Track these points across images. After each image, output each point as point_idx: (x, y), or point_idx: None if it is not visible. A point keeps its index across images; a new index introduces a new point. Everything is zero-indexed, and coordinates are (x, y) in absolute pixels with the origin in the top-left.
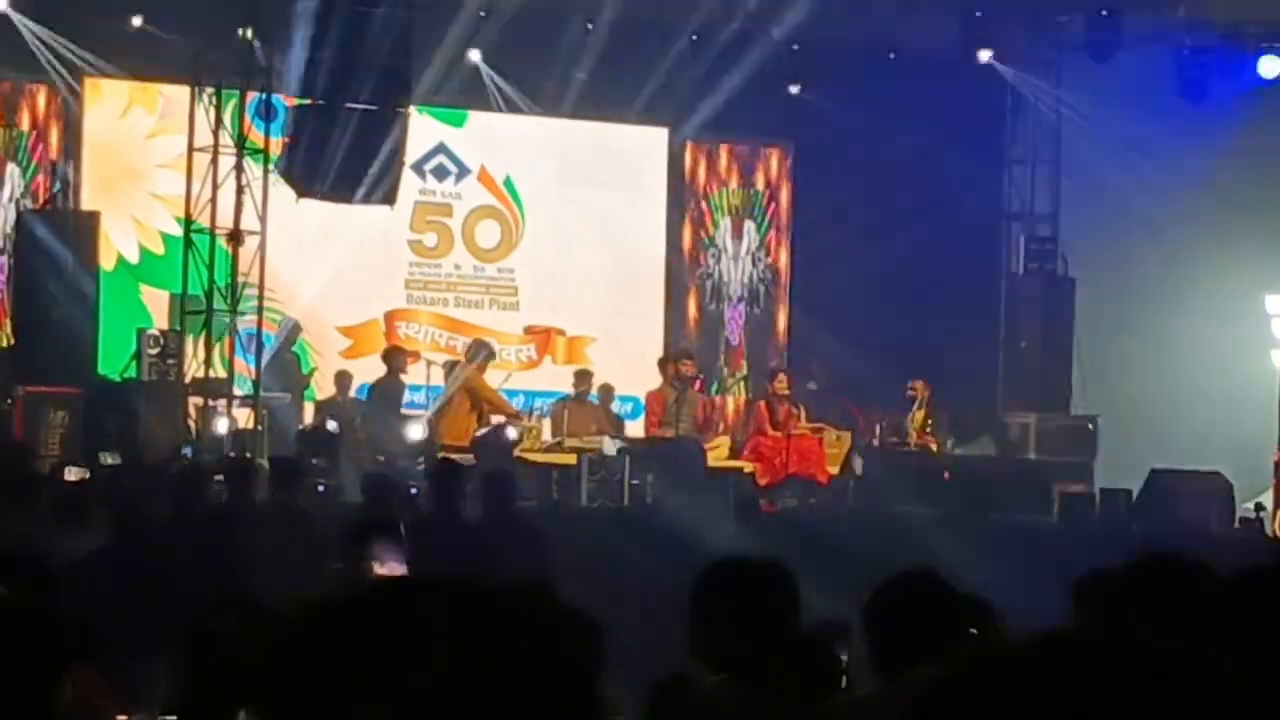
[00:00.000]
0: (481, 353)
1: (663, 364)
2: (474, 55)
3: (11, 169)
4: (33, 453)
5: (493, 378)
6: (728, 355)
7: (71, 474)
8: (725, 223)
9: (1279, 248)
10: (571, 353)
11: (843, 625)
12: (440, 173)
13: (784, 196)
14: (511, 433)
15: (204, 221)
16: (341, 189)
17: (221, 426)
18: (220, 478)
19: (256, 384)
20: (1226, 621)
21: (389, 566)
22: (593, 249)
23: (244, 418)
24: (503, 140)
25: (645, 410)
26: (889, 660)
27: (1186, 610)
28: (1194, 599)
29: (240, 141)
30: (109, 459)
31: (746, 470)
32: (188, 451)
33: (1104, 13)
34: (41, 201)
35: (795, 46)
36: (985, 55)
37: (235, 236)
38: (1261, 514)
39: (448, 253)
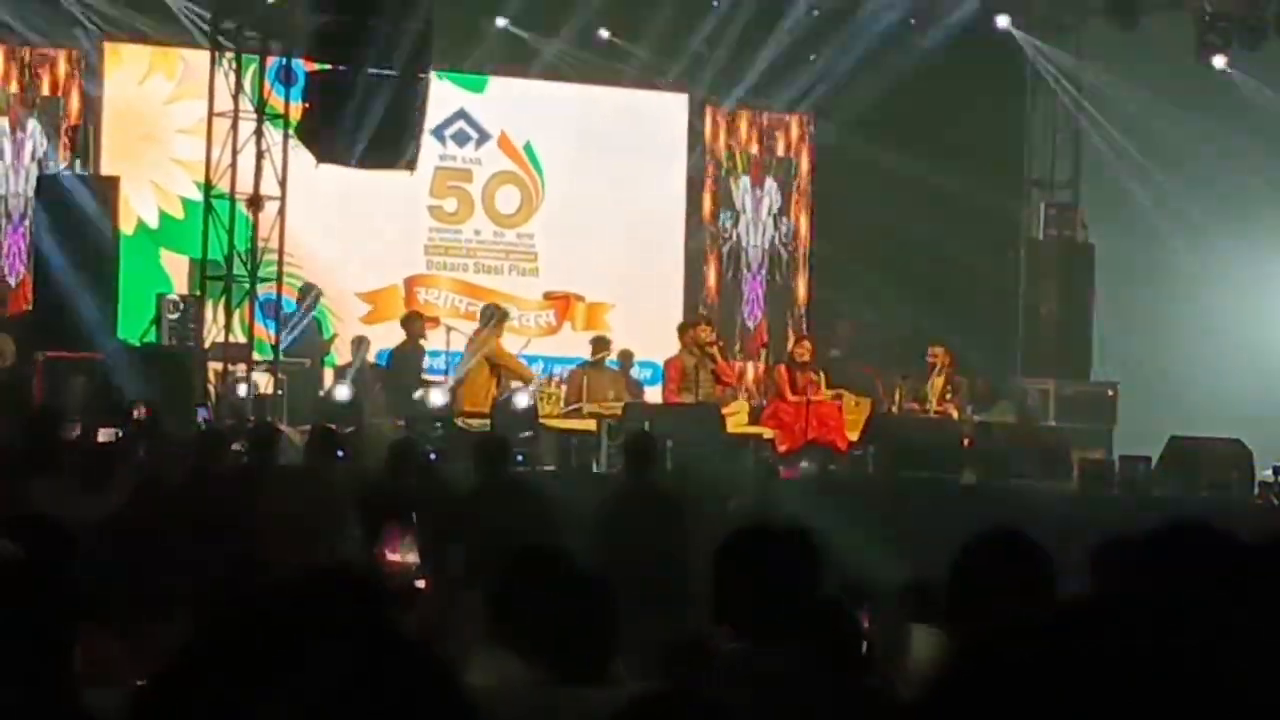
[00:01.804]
0: (495, 317)
1: (681, 330)
2: (500, 21)
3: (33, 126)
4: (59, 416)
5: (512, 344)
6: (747, 321)
7: (101, 435)
8: (745, 186)
9: None
10: (591, 319)
11: (864, 590)
12: (460, 138)
13: (804, 163)
14: (522, 400)
15: (224, 187)
16: (361, 154)
17: (241, 392)
18: (240, 444)
19: (276, 349)
20: (1249, 589)
21: (400, 553)
22: (612, 215)
23: (263, 383)
24: (523, 106)
25: (664, 376)
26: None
27: (1210, 578)
28: (1217, 567)
29: (260, 107)
30: (139, 412)
31: (765, 436)
32: (204, 415)
33: None
34: (62, 166)
35: (815, 12)
36: (1004, 21)
37: (255, 202)
38: None
39: (467, 218)
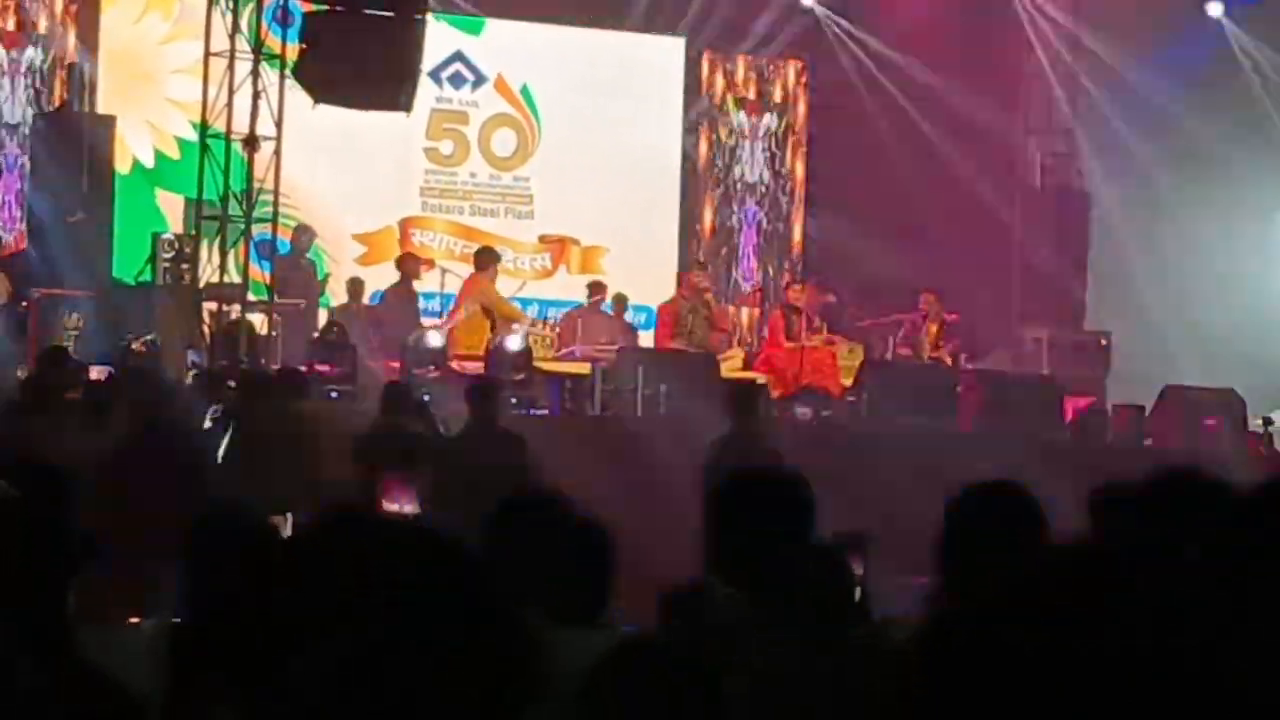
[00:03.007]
0: (488, 260)
1: (680, 276)
2: None
3: (29, 64)
4: (63, 355)
5: (507, 287)
6: (742, 266)
7: (95, 373)
8: (742, 131)
9: None
10: (586, 262)
11: (858, 537)
12: (457, 80)
13: (801, 109)
14: (514, 343)
15: (220, 127)
16: (358, 95)
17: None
18: (233, 384)
19: (270, 290)
20: (1241, 539)
21: (399, 504)
22: (608, 159)
23: (258, 323)
24: (520, 49)
25: (657, 321)
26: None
27: (1202, 528)
28: (1209, 516)
29: (257, 47)
30: (137, 345)
31: (759, 382)
32: (194, 358)
33: None
34: (57, 104)
35: None
36: None
37: (251, 142)
38: (1271, 429)
39: (463, 161)
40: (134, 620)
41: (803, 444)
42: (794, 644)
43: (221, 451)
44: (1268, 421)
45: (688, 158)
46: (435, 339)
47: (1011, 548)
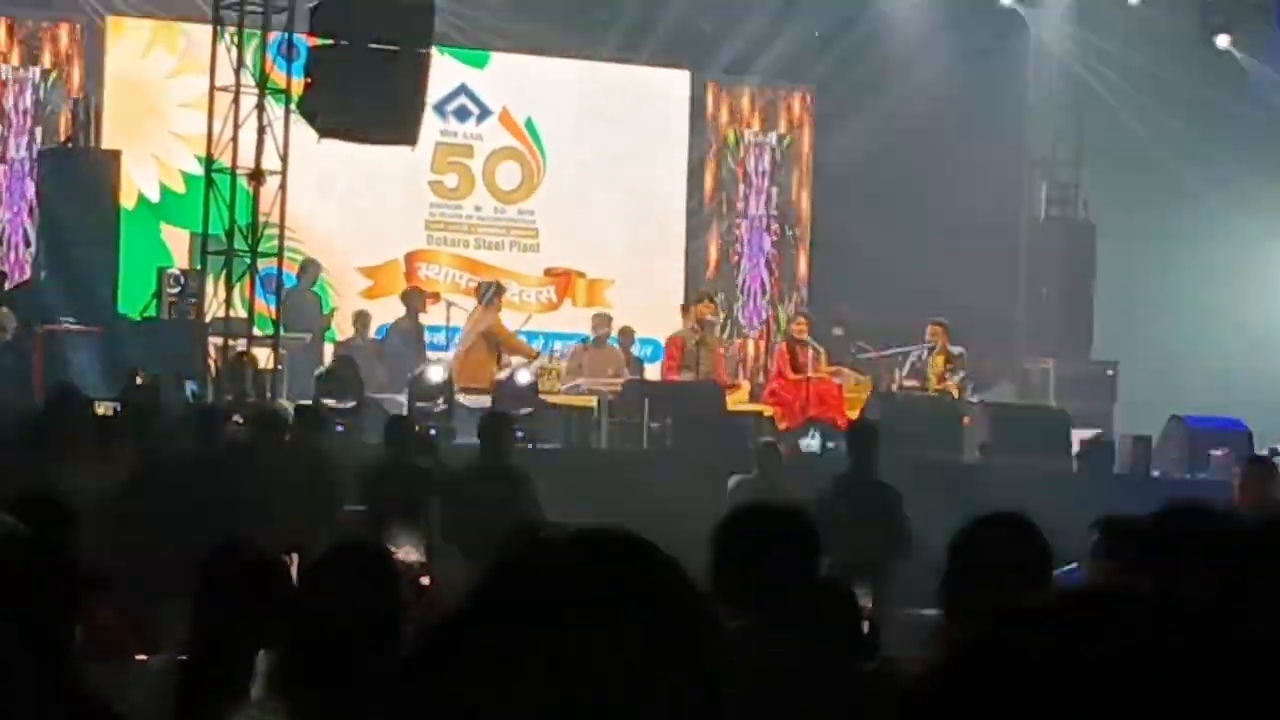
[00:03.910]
0: (491, 293)
1: (684, 308)
2: None
3: (36, 99)
4: (72, 391)
5: (512, 320)
6: (748, 298)
7: (100, 408)
8: (747, 162)
9: None
10: (591, 295)
11: (865, 568)
12: (461, 114)
13: (806, 139)
14: (524, 376)
15: (225, 161)
16: (362, 129)
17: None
18: (240, 419)
19: (276, 324)
20: (1249, 573)
21: (404, 551)
22: (613, 191)
23: (264, 357)
24: (524, 82)
25: (664, 354)
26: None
27: (1210, 563)
28: (1217, 551)
29: (262, 81)
30: (142, 379)
31: (765, 414)
32: (192, 388)
33: None
34: (63, 139)
35: None
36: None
37: (256, 176)
38: (1277, 459)
39: (468, 194)
40: (141, 657)
41: (810, 475)
42: (803, 677)
43: (234, 486)
44: (1274, 452)
45: (693, 190)
46: (437, 373)
47: (1019, 581)
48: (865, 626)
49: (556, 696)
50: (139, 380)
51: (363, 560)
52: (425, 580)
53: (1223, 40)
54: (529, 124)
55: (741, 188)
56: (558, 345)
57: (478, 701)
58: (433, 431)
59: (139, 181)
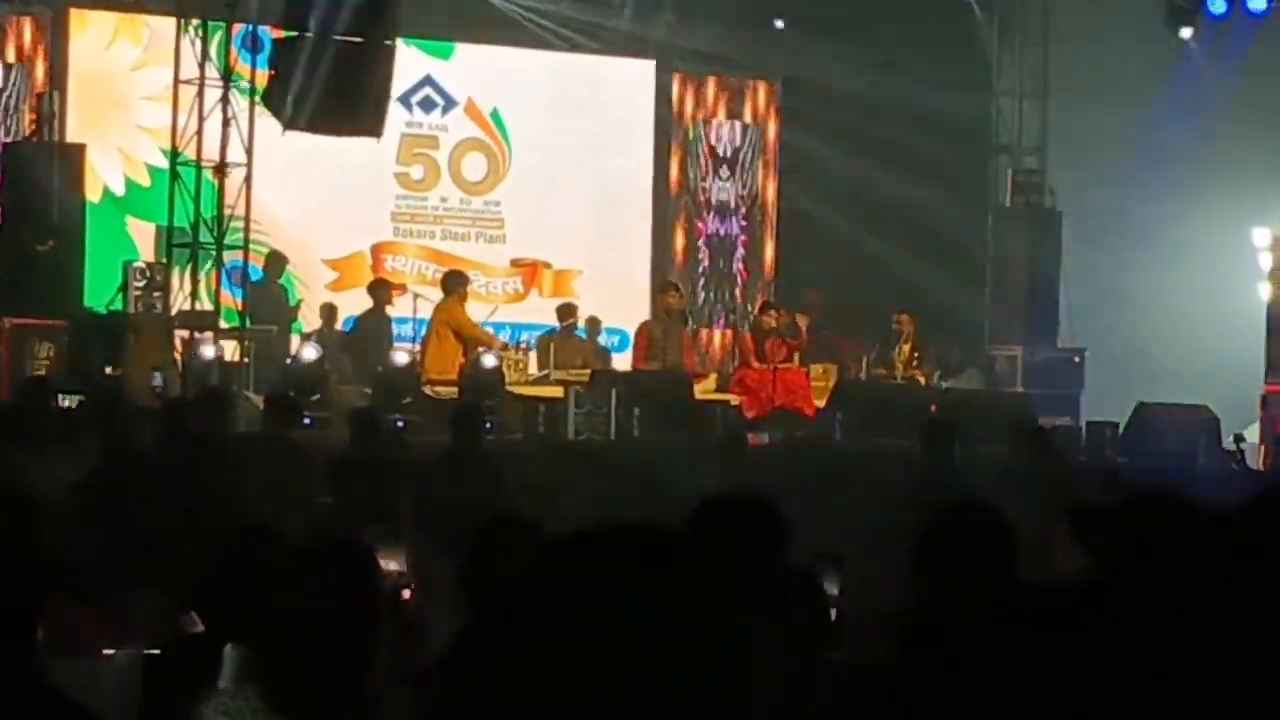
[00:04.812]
0: (457, 285)
1: (653, 296)
2: None
3: (1, 84)
4: (41, 386)
5: (479, 311)
6: (714, 288)
7: (65, 401)
8: (713, 152)
9: (1265, 180)
10: (558, 285)
11: (833, 559)
12: (427, 105)
13: (771, 129)
14: (489, 360)
15: (190, 154)
16: (327, 121)
17: (208, 356)
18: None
19: (243, 316)
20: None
21: (383, 559)
22: (580, 182)
23: (230, 350)
24: (489, 73)
25: (632, 343)
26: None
27: (1184, 549)
28: (1182, 539)
29: (226, 74)
30: (110, 371)
31: (733, 403)
32: (159, 381)
33: None
34: (28, 133)
35: None
36: None
37: (221, 169)
38: (1242, 445)
39: (434, 185)
40: (108, 651)
41: (775, 465)
42: (770, 668)
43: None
44: (1238, 439)
45: (659, 180)
46: (408, 365)
47: (984, 570)
48: (833, 615)
49: (592, 692)
50: (108, 371)
51: (341, 554)
52: (406, 594)
53: (1186, 31)
54: (494, 115)
55: (708, 177)
56: (525, 336)
57: (511, 698)
58: (400, 424)
59: (104, 175)
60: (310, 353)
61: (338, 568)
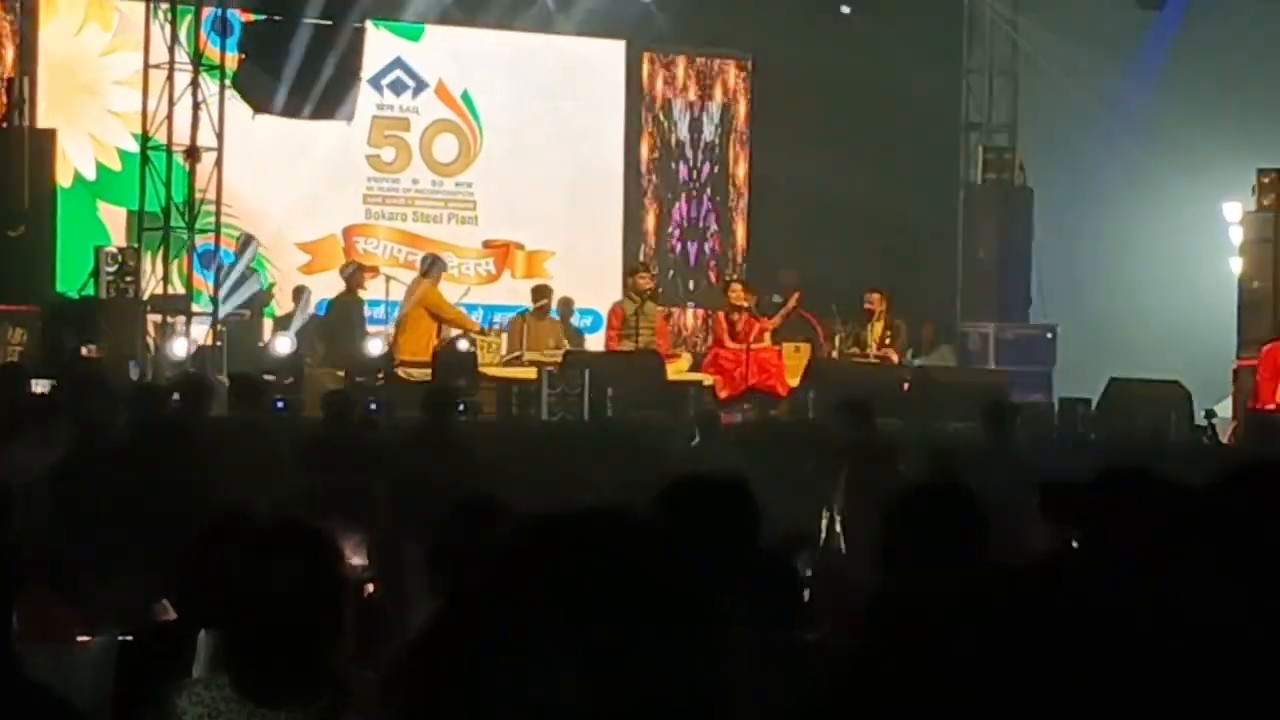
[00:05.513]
0: (434, 266)
1: (624, 277)
2: None
3: None
4: (15, 373)
5: (452, 292)
6: (686, 267)
7: (38, 387)
8: (683, 132)
9: (1236, 155)
10: (531, 266)
11: (804, 539)
12: (398, 87)
13: (742, 108)
14: (463, 343)
15: (161, 138)
16: (298, 104)
17: (180, 344)
18: (177, 395)
19: (215, 300)
20: (1194, 536)
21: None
22: (551, 162)
23: (203, 334)
24: (460, 54)
25: (605, 324)
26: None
27: (1155, 525)
28: (1154, 515)
29: (196, 58)
30: (87, 350)
31: (706, 383)
32: (136, 367)
33: None
34: None
35: None
36: None
37: (192, 153)
38: (1213, 420)
39: (406, 167)
40: (83, 638)
41: (746, 444)
42: (744, 648)
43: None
44: (1209, 414)
45: (630, 160)
46: (376, 346)
47: (954, 548)
48: (805, 595)
49: (575, 677)
50: (83, 354)
51: (302, 537)
52: (370, 588)
53: (1156, 6)
54: (465, 96)
55: (678, 157)
56: (497, 317)
57: (493, 684)
58: (373, 406)
59: (75, 160)
60: (283, 346)
61: (299, 550)
